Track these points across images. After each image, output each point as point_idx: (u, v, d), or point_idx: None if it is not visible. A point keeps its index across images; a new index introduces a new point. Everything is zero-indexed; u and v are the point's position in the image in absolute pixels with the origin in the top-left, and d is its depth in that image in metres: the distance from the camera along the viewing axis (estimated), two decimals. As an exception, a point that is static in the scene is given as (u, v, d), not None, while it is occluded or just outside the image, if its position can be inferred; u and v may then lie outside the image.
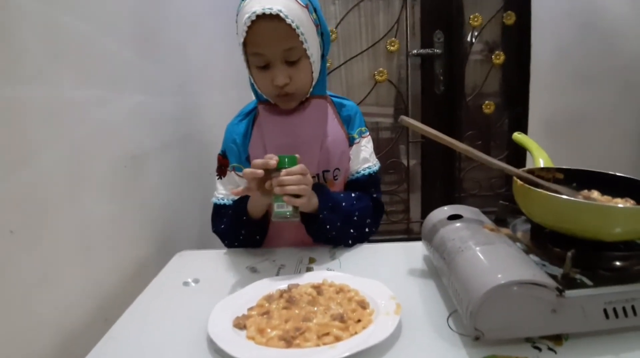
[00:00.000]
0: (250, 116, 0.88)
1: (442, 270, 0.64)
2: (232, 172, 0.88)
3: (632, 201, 0.60)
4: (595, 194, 0.64)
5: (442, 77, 1.96)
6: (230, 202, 0.87)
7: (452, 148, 0.64)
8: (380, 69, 1.95)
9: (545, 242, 0.62)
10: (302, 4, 0.74)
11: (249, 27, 0.72)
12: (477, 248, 0.57)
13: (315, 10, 0.78)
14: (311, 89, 0.83)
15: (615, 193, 0.63)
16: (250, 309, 0.62)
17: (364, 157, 0.90)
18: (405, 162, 2.06)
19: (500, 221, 0.70)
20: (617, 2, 1.76)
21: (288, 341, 0.53)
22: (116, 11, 0.82)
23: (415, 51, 1.94)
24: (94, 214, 0.72)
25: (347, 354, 0.50)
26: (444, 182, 2.09)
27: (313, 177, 0.80)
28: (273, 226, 0.86)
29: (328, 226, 0.80)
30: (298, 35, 0.73)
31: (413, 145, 2.06)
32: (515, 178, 0.64)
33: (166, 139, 1.01)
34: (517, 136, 0.82)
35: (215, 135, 0.94)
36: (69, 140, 0.66)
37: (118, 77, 0.81)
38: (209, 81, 1.31)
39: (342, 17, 1.93)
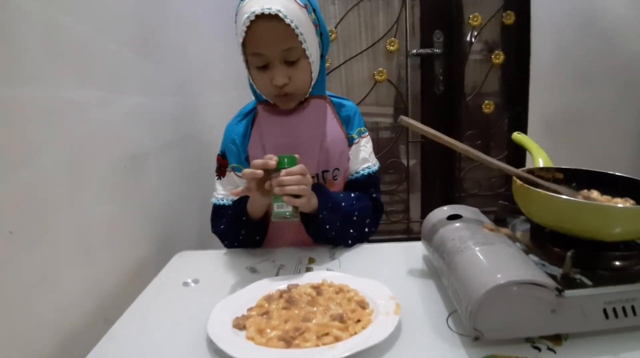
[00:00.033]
0: (250, 116, 0.88)
1: (441, 270, 0.64)
2: (232, 172, 0.88)
3: (631, 201, 0.60)
4: (595, 194, 0.64)
5: (441, 77, 1.96)
6: (230, 202, 0.87)
7: (451, 148, 0.64)
8: (380, 69, 1.95)
9: (544, 242, 0.62)
10: (301, 4, 0.74)
11: (248, 27, 0.72)
12: (477, 248, 0.57)
13: (314, 10, 0.77)
14: (310, 89, 0.83)
15: (615, 193, 0.63)
16: (250, 309, 0.62)
17: (363, 157, 0.90)
18: (405, 162, 2.06)
19: (499, 221, 0.70)
20: (617, 2, 1.75)
21: (288, 341, 0.53)
22: (116, 11, 0.82)
23: (414, 51, 1.94)
24: (94, 214, 0.72)
25: (346, 354, 0.50)
26: (443, 182, 2.09)
27: (312, 177, 0.80)
28: (273, 226, 0.86)
29: (328, 226, 0.80)
30: (297, 35, 0.73)
31: (413, 145, 2.05)
32: (514, 177, 0.64)
33: (166, 139, 1.01)
34: (517, 135, 0.82)
35: (215, 135, 0.94)
36: (69, 140, 0.66)
37: (118, 78, 0.81)
38: (209, 81, 1.31)
39: (342, 17, 1.93)
